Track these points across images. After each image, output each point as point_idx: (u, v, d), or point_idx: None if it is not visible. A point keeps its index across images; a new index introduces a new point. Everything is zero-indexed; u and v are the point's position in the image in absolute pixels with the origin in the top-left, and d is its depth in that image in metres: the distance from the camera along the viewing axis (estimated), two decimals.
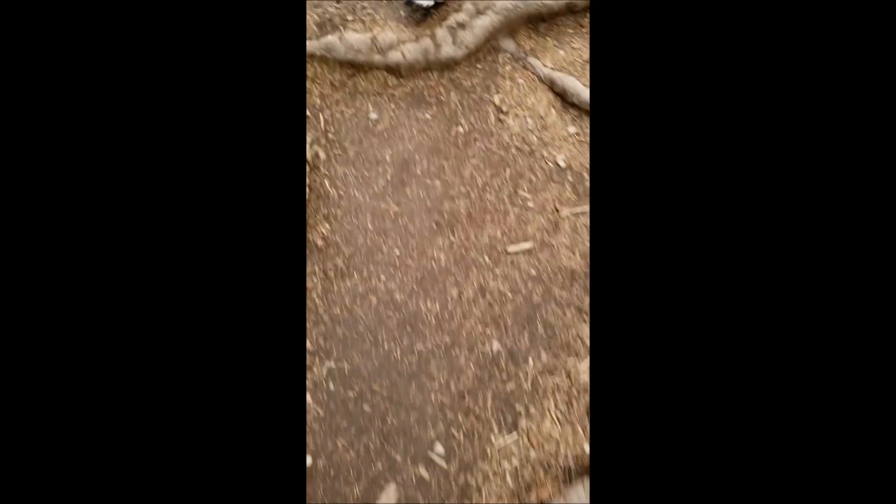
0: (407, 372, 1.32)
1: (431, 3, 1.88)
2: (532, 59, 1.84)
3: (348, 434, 1.24)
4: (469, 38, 1.78)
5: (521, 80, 1.83)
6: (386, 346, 1.36)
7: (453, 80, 1.81)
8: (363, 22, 1.84)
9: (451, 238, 1.54)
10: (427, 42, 1.76)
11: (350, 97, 1.74)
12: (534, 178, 1.66)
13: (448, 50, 1.77)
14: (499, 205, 1.61)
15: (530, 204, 1.61)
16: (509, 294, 1.45)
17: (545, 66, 1.83)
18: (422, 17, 1.90)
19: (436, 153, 1.68)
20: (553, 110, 1.78)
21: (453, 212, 1.58)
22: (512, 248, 1.52)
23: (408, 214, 1.57)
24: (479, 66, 1.85)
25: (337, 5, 1.87)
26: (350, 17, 1.84)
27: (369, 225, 1.54)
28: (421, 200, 1.60)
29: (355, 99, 1.74)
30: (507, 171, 1.67)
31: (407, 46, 1.74)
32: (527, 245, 1.53)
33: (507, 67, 1.85)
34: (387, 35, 1.75)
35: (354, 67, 1.76)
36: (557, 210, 1.60)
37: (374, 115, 1.72)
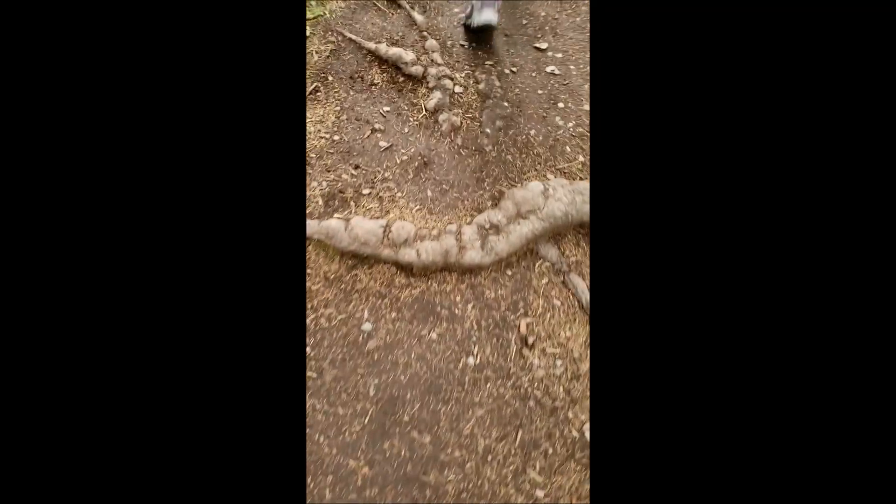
0: None
1: (493, 19, 1.81)
2: (575, 278, 1.50)
3: None
4: (502, 245, 1.45)
5: (557, 302, 1.48)
6: None
7: (474, 288, 1.48)
8: (381, 199, 1.54)
9: None
10: (450, 242, 1.44)
11: (344, 298, 1.42)
12: (550, 451, 1.29)
13: (473, 255, 1.44)
14: (499, 487, 1.24)
15: (539, 494, 1.24)
16: None
17: (589, 289, 1.48)
18: (479, 40, 1.90)
19: (433, 393, 1.34)
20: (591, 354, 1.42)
21: (439, 488, 1.23)
22: None
23: (381, 483, 1.22)
24: (509, 272, 1.52)
25: (354, 172, 1.58)
26: (366, 192, 1.55)
27: (328, 493, 1.20)
28: (401, 463, 1.25)
29: (350, 300, 1.42)
30: (519, 434, 1.30)
31: (425, 245, 1.43)
32: None
33: (544, 280, 1.51)
34: (403, 226, 1.44)
35: (357, 258, 1.45)
36: None
37: (367, 327, 1.40)
